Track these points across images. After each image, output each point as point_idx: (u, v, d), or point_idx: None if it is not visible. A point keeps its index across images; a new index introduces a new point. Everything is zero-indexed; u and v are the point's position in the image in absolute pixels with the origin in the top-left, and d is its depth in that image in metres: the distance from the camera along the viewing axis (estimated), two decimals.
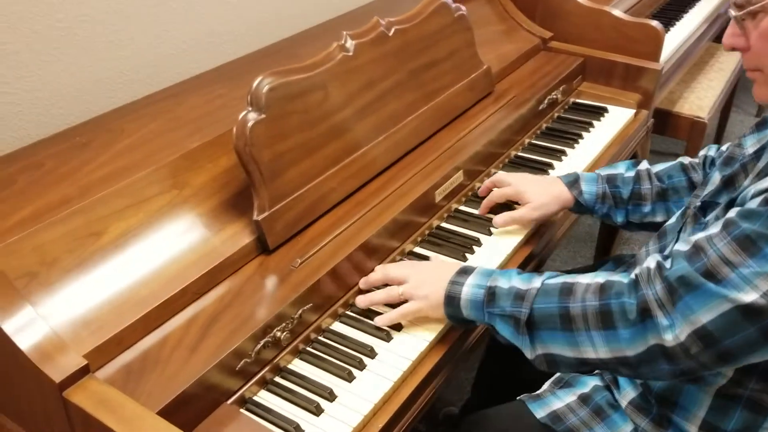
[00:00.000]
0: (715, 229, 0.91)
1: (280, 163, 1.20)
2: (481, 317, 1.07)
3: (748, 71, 1.00)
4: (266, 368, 1.07)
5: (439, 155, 1.47)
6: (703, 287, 0.87)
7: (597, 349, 0.96)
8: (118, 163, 1.17)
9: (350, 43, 1.36)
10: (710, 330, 0.87)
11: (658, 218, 1.35)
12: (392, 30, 1.45)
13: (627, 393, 1.13)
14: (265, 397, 1.05)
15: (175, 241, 1.11)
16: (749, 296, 0.83)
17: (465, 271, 1.10)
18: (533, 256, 1.41)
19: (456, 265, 1.14)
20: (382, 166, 1.40)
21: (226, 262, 1.12)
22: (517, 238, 1.37)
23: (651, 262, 0.97)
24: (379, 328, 1.15)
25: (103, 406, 0.88)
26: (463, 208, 1.48)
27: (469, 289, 1.07)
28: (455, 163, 1.45)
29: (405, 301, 1.13)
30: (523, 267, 1.36)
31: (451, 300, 1.08)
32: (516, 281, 1.05)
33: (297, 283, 1.12)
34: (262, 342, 1.04)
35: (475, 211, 1.45)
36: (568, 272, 1.12)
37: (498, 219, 1.38)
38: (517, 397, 1.22)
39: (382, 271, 1.19)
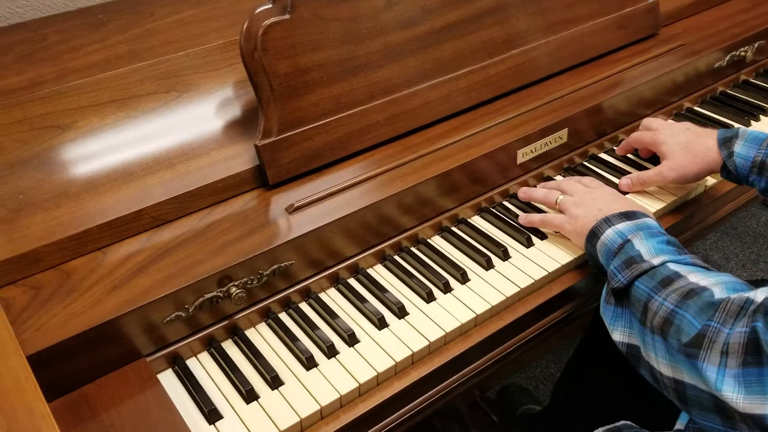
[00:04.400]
0: None
1: (302, 80, 0.95)
2: (606, 265, 0.89)
3: None
4: (218, 326, 0.87)
5: (540, 105, 1.13)
6: None
7: (658, 358, 0.78)
8: (123, 48, 1.00)
9: None
10: None
11: None
12: None
13: None
14: (202, 362, 0.86)
15: (152, 152, 0.93)
16: None
17: (627, 216, 0.91)
18: None
19: (633, 205, 0.96)
20: (456, 108, 1.09)
21: (207, 189, 0.92)
22: None
23: (762, 294, 0.71)
24: (372, 310, 0.90)
25: None
26: (558, 178, 1.14)
27: (612, 233, 0.89)
28: (560, 118, 1.10)
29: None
30: None
31: (593, 236, 0.92)
32: (647, 246, 0.85)
33: (284, 231, 0.90)
34: (208, 295, 0.84)
35: None
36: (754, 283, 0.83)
37: (623, 181, 1.10)
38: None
39: (557, 182, 1.08)
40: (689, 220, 1.14)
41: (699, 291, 0.76)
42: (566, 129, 1.11)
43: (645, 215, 0.92)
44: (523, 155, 1.08)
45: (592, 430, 1.00)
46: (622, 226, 0.89)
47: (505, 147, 1.05)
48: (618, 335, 0.85)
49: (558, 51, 1.19)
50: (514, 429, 1.62)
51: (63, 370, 0.76)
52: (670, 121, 1.14)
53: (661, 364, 0.77)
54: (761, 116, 1.27)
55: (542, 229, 1.03)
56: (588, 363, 1.31)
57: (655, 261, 0.82)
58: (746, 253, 2.12)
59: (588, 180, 1.04)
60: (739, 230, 2.20)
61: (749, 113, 1.27)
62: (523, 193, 1.07)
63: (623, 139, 1.21)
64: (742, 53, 1.32)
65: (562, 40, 1.19)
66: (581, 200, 0.98)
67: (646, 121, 1.13)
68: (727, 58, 1.30)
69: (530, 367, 1.79)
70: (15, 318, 0.77)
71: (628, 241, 0.86)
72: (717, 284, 0.76)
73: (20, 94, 0.90)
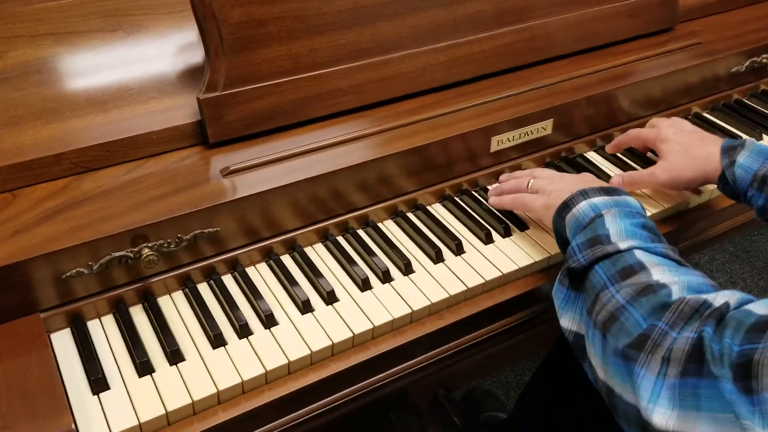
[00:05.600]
0: None
1: (257, 33, 0.87)
2: (571, 239, 0.79)
3: None
4: (129, 288, 0.80)
5: (527, 90, 1.03)
6: (725, 386, 0.55)
7: (596, 354, 0.68)
8: None
9: None
10: None
11: None
12: None
13: None
14: (105, 325, 0.79)
15: (85, 92, 0.86)
16: None
17: (606, 191, 0.81)
18: None
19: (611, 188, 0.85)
20: (432, 83, 1.00)
21: (140, 140, 0.85)
22: None
23: (722, 298, 0.63)
24: (299, 292, 0.82)
25: None
26: None
27: (586, 205, 0.79)
28: (546, 107, 1.00)
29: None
30: None
31: (564, 207, 0.82)
32: (619, 226, 0.75)
33: (213, 194, 0.82)
34: (117, 254, 0.76)
35: None
36: None
37: (612, 180, 0.99)
38: None
39: (530, 170, 0.97)
40: (683, 232, 1.04)
41: (657, 288, 0.66)
42: (552, 119, 1.01)
43: (627, 193, 0.82)
44: (499, 143, 0.98)
45: None
46: (598, 199, 0.79)
47: (479, 131, 0.96)
48: (566, 321, 0.75)
49: (557, 34, 1.09)
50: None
51: None
52: (678, 119, 1.02)
53: (597, 362, 0.68)
54: None
55: (516, 212, 0.95)
56: (554, 376, 1.22)
57: (622, 245, 0.72)
58: (755, 279, 1.98)
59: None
60: (751, 254, 2.07)
61: (763, 126, 1.15)
62: (493, 191, 0.97)
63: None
64: (765, 60, 1.20)
65: (564, 23, 1.09)
66: (555, 178, 0.90)
67: (655, 121, 1.03)
68: (747, 63, 1.19)
69: (504, 372, 1.70)
70: None
71: (600, 216, 0.77)
72: (678, 282, 0.67)
73: None
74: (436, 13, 0.98)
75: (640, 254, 0.71)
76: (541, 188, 0.89)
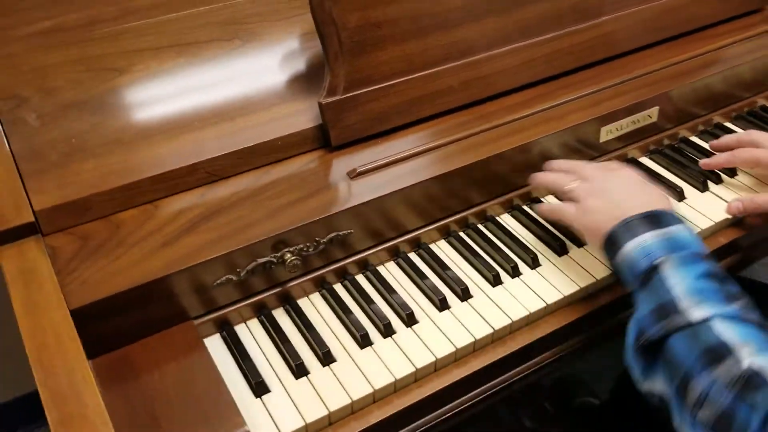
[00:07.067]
0: None
1: (372, 36, 0.88)
2: (632, 287, 0.74)
3: None
4: (270, 293, 0.82)
5: (629, 79, 1.03)
6: None
7: None
8: None
9: None
10: None
11: None
12: None
13: None
14: (252, 329, 0.81)
15: (211, 103, 0.87)
16: None
17: (652, 220, 0.74)
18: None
19: (660, 199, 0.79)
20: (535, 76, 1.00)
21: (266, 147, 0.86)
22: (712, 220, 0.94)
23: None
24: (432, 288, 0.83)
25: (22, 277, 0.70)
26: (645, 160, 1.05)
27: (636, 248, 0.73)
28: (652, 95, 1.01)
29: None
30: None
31: (611, 244, 0.76)
32: (683, 284, 0.68)
33: (344, 197, 0.83)
34: (261, 260, 0.78)
35: (659, 170, 1.02)
36: None
37: (732, 205, 0.95)
38: None
39: (572, 163, 0.88)
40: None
41: (760, 382, 0.59)
42: (657, 107, 1.02)
43: (673, 218, 0.75)
44: (608, 133, 0.99)
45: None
46: (648, 237, 0.73)
47: (589, 122, 0.97)
48: (650, 384, 0.68)
49: (656, 20, 1.08)
50: (568, 419, 1.55)
51: (107, 327, 0.72)
52: None
53: None
54: None
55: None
56: None
57: (695, 315, 0.65)
58: None
59: (615, 164, 0.88)
60: None
61: None
62: (532, 180, 0.91)
63: (717, 122, 1.11)
64: None
65: (662, 8, 1.08)
66: (596, 189, 0.81)
67: (756, 137, 0.97)
68: None
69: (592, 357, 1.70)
70: (61, 268, 0.72)
71: (656, 269, 0.70)
72: None
73: (78, 33, 0.86)
74: (540, 6, 0.98)
75: (720, 327, 0.64)
76: (579, 197, 0.82)
